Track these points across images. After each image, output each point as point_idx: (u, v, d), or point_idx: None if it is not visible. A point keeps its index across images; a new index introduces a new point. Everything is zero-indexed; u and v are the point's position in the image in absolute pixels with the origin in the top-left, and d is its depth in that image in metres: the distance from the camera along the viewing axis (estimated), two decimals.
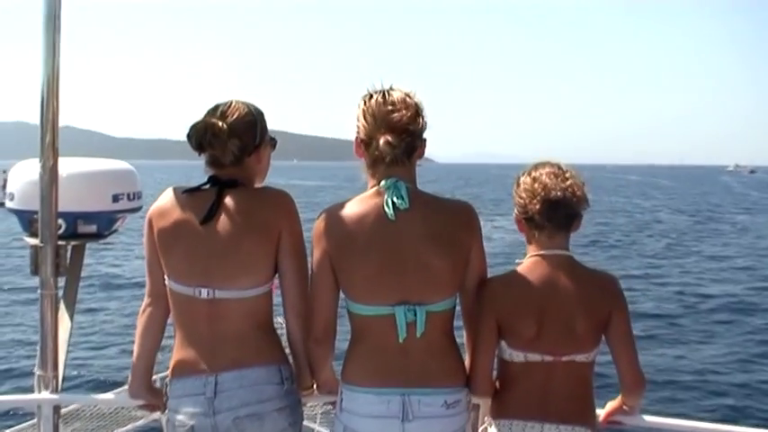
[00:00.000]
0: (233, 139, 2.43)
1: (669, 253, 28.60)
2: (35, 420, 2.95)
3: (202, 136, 2.42)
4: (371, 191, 2.39)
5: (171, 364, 2.51)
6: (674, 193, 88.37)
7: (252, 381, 2.40)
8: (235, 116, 2.46)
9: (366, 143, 2.39)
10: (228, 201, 2.45)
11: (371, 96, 2.40)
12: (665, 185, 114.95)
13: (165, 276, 2.47)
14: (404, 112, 2.33)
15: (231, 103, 2.51)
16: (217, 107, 2.49)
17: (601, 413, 2.62)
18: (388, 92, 2.40)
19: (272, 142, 2.62)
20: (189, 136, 2.45)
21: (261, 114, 2.55)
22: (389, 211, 2.31)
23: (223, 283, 2.40)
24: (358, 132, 2.42)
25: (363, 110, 2.40)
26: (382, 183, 2.36)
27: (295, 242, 2.48)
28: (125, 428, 5.47)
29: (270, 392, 2.41)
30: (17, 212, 3.04)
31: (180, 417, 2.43)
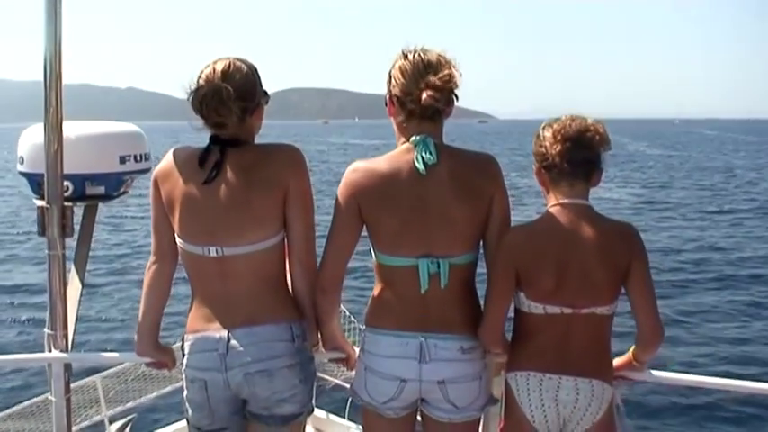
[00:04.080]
0: (238, 102, 2.51)
1: None
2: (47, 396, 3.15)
3: (209, 101, 2.50)
4: (401, 148, 2.59)
5: (187, 320, 2.68)
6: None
7: (263, 337, 2.55)
8: (237, 77, 2.53)
9: (401, 100, 2.57)
10: (233, 159, 2.56)
11: (406, 56, 2.57)
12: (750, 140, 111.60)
13: (176, 236, 2.62)
14: (445, 69, 2.52)
15: (230, 62, 2.56)
16: (214, 68, 2.54)
17: None
18: (423, 51, 2.57)
19: (266, 97, 2.69)
20: (193, 101, 2.52)
21: (257, 72, 2.63)
22: (420, 166, 2.50)
23: (231, 240, 2.53)
24: (392, 89, 2.60)
25: (400, 67, 2.57)
26: (412, 139, 2.56)
27: (303, 196, 2.60)
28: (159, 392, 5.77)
29: (280, 349, 2.55)
30: (26, 175, 3.21)
31: (194, 372, 2.60)
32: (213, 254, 2.54)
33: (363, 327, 2.70)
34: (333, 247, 2.61)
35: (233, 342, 2.54)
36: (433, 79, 2.50)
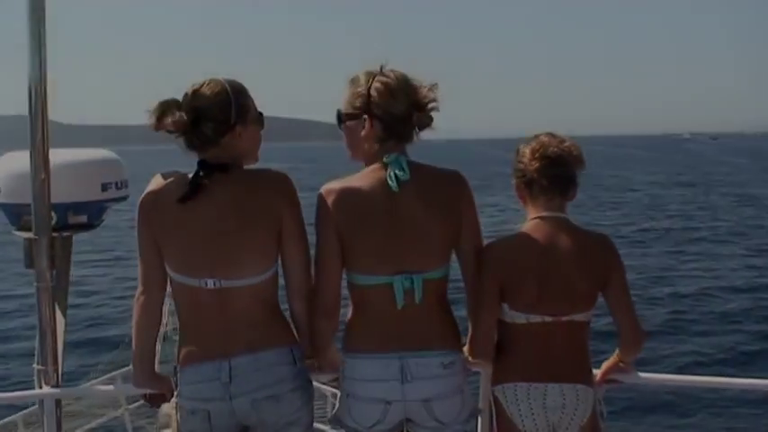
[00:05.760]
0: (207, 122, 2.51)
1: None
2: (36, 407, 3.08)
3: (153, 113, 2.48)
4: (373, 166, 2.62)
5: (180, 352, 2.64)
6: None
7: (266, 363, 2.55)
8: (207, 95, 2.52)
9: (382, 118, 2.58)
10: (223, 185, 2.54)
11: (385, 73, 2.60)
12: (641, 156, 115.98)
13: (167, 267, 2.58)
14: (426, 87, 2.61)
15: (204, 81, 2.55)
16: (188, 89, 2.54)
17: (597, 372, 2.88)
18: (394, 70, 2.62)
19: (259, 119, 2.67)
20: (156, 119, 2.50)
21: (239, 92, 2.58)
22: (393, 183, 2.54)
23: (229, 273, 2.52)
24: (372, 109, 2.57)
25: (385, 85, 2.58)
26: (385, 158, 2.59)
27: (297, 226, 2.62)
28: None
29: (284, 373, 2.57)
30: (4, 206, 3.14)
31: (195, 403, 2.56)
32: (211, 286, 2.52)
33: (342, 351, 2.71)
34: (326, 272, 2.62)
35: (236, 369, 2.53)
36: (420, 98, 2.59)
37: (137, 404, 5.92)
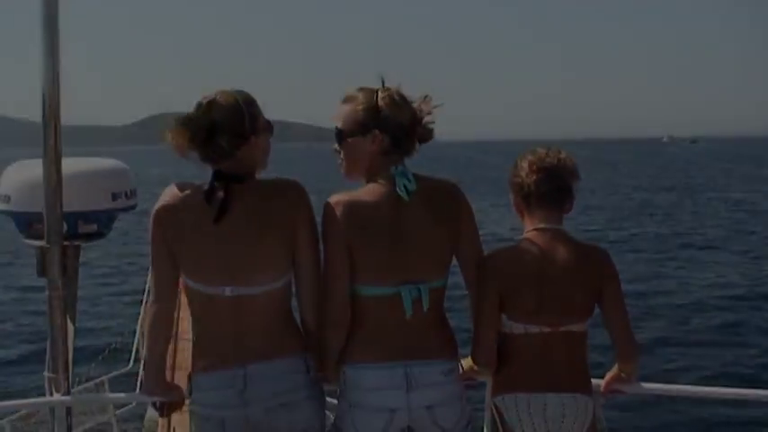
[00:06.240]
0: (222, 135, 2.55)
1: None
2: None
3: (190, 135, 2.54)
4: (378, 180, 2.69)
5: (193, 359, 2.69)
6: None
7: (280, 371, 2.60)
8: (219, 109, 2.56)
9: (393, 131, 2.66)
10: (239, 195, 2.58)
11: (388, 88, 2.70)
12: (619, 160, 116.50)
13: (183, 276, 2.62)
14: (424, 100, 2.73)
15: (215, 95, 2.59)
16: (201, 101, 2.58)
17: (600, 383, 2.93)
18: (393, 86, 2.72)
19: (269, 128, 2.70)
20: (178, 133, 2.55)
21: (249, 103, 2.62)
22: (404, 194, 2.63)
23: (247, 281, 2.57)
24: (383, 122, 2.65)
25: (391, 97, 2.66)
26: (392, 169, 2.67)
27: (311, 234, 2.67)
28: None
29: (298, 382, 2.62)
30: (14, 215, 3.17)
31: (209, 410, 2.60)
32: (228, 293, 2.57)
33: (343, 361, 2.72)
34: (335, 283, 2.65)
35: (251, 377, 2.57)
36: (420, 110, 2.71)
37: (123, 410, 5.97)
